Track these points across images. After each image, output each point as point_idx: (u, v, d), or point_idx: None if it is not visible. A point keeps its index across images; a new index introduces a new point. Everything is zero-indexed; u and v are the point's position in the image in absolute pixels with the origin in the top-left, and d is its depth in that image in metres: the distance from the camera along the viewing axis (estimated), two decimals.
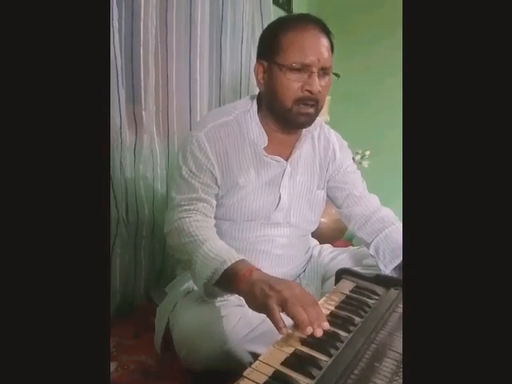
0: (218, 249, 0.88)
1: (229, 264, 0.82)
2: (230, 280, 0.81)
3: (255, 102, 1.07)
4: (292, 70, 0.95)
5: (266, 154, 1.05)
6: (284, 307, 0.70)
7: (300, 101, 0.97)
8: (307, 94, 0.96)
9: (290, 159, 1.08)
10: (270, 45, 0.98)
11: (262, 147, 1.04)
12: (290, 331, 0.67)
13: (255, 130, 1.04)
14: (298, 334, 0.67)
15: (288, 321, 0.69)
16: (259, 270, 0.82)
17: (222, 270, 0.82)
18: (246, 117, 1.05)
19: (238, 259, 0.84)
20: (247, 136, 1.04)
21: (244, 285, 0.77)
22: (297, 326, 0.68)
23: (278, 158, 1.06)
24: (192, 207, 0.99)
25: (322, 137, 1.16)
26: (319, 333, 0.66)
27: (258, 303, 0.73)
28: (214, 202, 1.03)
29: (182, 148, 1.04)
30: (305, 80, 0.95)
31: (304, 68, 0.95)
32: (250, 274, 0.79)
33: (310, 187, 1.13)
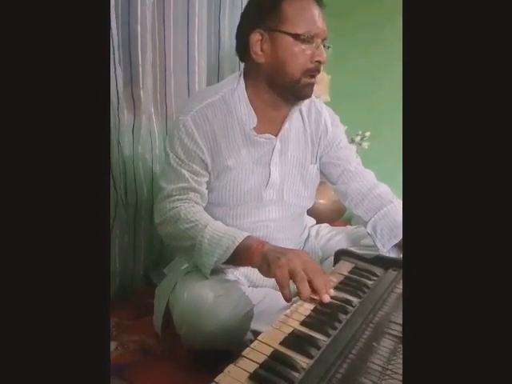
0: (223, 228, 0.91)
1: (239, 241, 0.87)
2: (243, 255, 0.86)
3: (242, 78, 1.03)
4: (302, 40, 0.93)
5: (256, 134, 1.03)
6: (293, 278, 0.76)
7: (308, 72, 0.96)
8: (316, 64, 0.96)
9: (279, 135, 1.06)
10: (270, 13, 0.94)
11: (252, 127, 1.02)
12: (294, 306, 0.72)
13: (243, 109, 1.01)
14: (296, 315, 0.68)
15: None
16: (268, 242, 0.87)
17: (234, 247, 0.86)
18: (234, 96, 1.01)
19: (246, 235, 0.88)
20: (235, 116, 1.02)
21: (258, 257, 0.83)
22: (299, 296, 0.74)
23: (268, 135, 1.04)
24: (184, 197, 0.99)
25: (313, 110, 1.13)
26: (326, 298, 0.72)
27: (271, 270, 0.79)
28: (205, 192, 1.03)
29: (169, 134, 1.02)
30: (313, 50, 0.95)
31: (311, 38, 0.94)
32: (262, 247, 0.84)
33: (302, 162, 1.11)
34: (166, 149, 1.02)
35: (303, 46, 0.94)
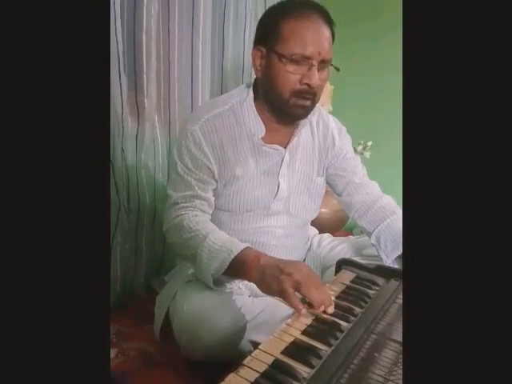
0: (222, 240, 0.89)
1: (235, 254, 0.85)
2: (239, 268, 0.84)
3: (251, 90, 1.04)
4: (292, 61, 0.92)
5: (264, 143, 1.03)
6: (298, 289, 0.74)
7: (298, 93, 0.95)
8: (305, 87, 0.94)
9: (288, 146, 1.06)
10: (270, 31, 0.95)
11: (260, 137, 1.02)
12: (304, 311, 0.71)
13: (252, 120, 1.02)
14: (297, 324, 0.67)
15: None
16: (265, 255, 0.85)
17: (230, 260, 0.85)
18: (243, 106, 1.03)
19: (243, 247, 0.86)
20: (244, 126, 1.02)
21: (254, 272, 0.81)
22: (312, 305, 0.72)
23: (276, 146, 1.04)
24: (189, 204, 0.99)
25: (320, 122, 1.14)
26: (331, 309, 0.71)
27: (272, 288, 0.78)
28: (212, 199, 1.03)
29: (177, 142, 1.03)
30: (304, 72, 0.93)
31: (304, 60, 0.92)
32: (257, 261, 0.82)
33: (309, 174, 1.12)
34: (174, 157, 1.02)
35: (292, 67, 0.93)
